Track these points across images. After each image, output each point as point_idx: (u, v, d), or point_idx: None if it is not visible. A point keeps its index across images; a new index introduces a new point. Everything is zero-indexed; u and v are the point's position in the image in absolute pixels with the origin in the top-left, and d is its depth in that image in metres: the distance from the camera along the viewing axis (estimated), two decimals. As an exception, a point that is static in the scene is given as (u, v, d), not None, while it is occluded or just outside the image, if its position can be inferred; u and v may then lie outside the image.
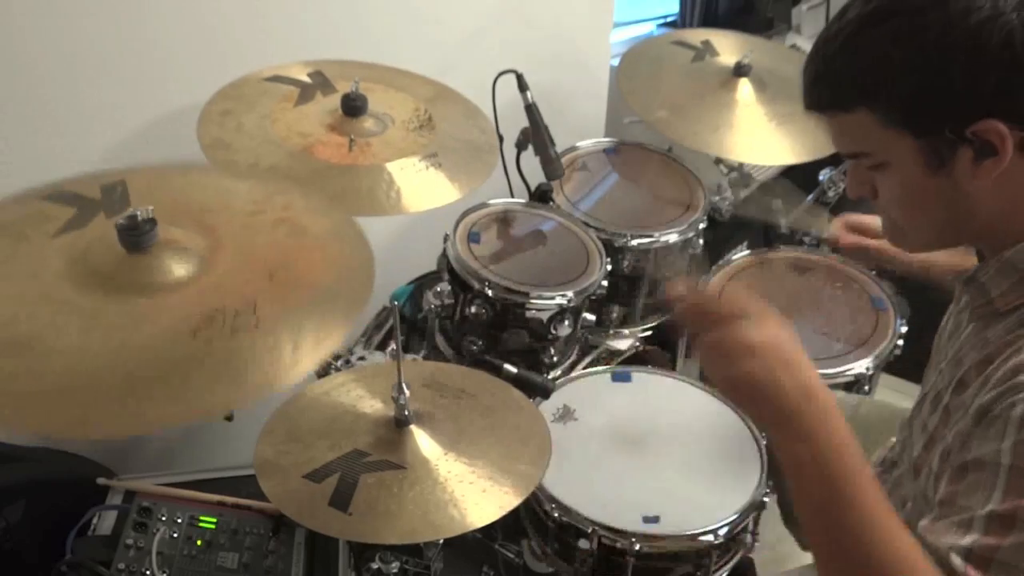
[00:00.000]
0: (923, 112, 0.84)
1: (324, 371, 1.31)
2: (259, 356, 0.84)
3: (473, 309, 1.42)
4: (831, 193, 1.91)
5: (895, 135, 0.86)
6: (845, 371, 1.55)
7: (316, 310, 0.91)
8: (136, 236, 0.89)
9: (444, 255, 1.49)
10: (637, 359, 1.70)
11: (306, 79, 1.41)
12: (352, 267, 0.98)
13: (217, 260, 0.94)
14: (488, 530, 1.30)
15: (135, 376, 0.81)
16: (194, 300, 0.88)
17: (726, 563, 1.27)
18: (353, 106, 1.33)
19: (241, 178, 1.14)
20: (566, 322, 1.45)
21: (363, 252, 1.00)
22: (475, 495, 1.01)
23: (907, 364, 1.52)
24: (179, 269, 0.91)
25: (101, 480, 1.26)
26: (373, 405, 1.12)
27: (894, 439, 1.24)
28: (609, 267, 1.53)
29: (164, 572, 1.13)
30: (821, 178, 1.93)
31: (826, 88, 0.90)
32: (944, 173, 0.86)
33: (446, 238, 1.49)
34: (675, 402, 1.42)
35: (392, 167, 1.29)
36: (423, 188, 1.29)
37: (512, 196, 1.72)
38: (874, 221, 1.48)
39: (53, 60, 1.28)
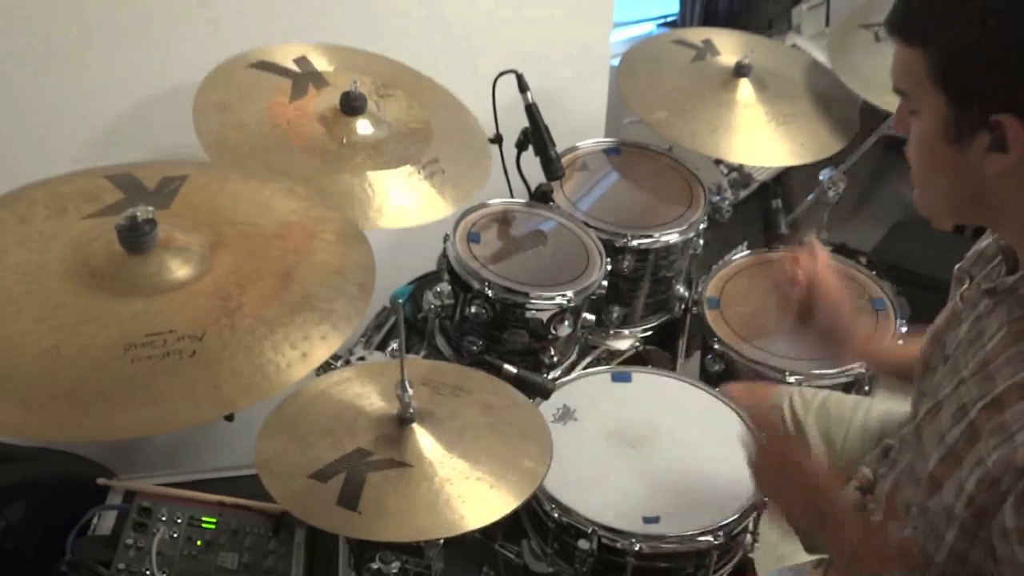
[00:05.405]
0: (960, 79, 0.84)
1: (324, 371, 1.31)
2: (173, 387, 0.82)
3: (473, 309, 1.42)
4: (831, 193, 1.91)
5: (932, 89, 0.86)
6: (845, 371, 1.55)
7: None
8: (134, 237, 0.88)
9: (444, 255, 1.49)
10: (637, 359, 1.70)
11: (304, 77, 1.40)
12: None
13: (212, 275, 0.91)
14: (488, 530, 1.30)
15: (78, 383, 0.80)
16: (151, 315, 0.86)
17: (726, 563, 1.27)
18: (352, 106, 1.32)
19: (298, 197, 1.10)
20: (566, 322, 1.45)
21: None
22: (479, 493, 1.01)
23: (907, 364, 1.52)
24: (169, 276, 0.89)
25: (101, 480, 1.26)
26: (372, 403, 1.12)
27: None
28: (609, 267, 1.53)
29: (164, 572, 1.13)
30: (821, 178, 1.93)
31: (901, 14, 0.89)
32: (958, 147, 0.86)
33: (446, 238, 1.49)
34: (675, 402, 1.42)
35: (387, 174, 1.29)
36: (420, 196, 1.29)
37: (512, 196, 1.72)
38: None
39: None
